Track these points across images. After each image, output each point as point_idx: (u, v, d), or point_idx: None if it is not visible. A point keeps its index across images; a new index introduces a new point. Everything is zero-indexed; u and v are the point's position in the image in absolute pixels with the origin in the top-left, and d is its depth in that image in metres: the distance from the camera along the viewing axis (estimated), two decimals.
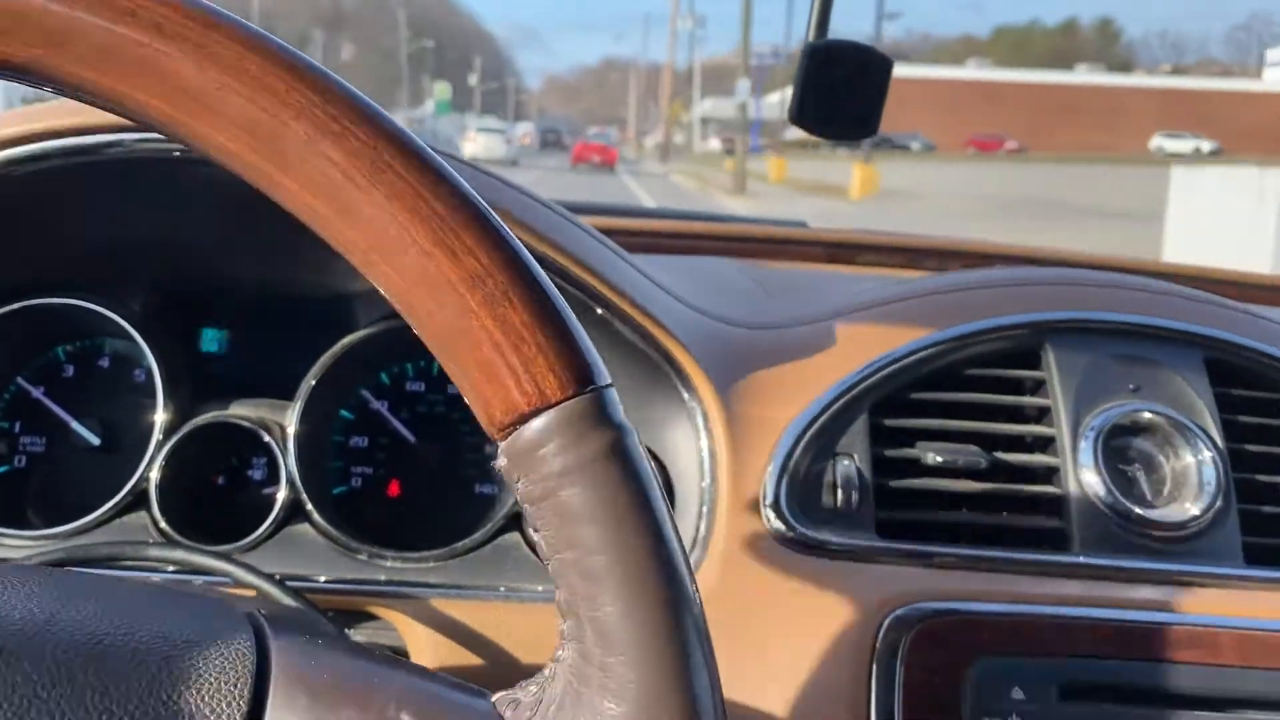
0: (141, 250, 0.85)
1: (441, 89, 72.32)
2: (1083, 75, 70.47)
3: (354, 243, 0.32)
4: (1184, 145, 54.73)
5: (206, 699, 0.32)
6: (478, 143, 37.01)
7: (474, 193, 0.33)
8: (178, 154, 0.72)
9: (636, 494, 0.32)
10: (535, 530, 0.33)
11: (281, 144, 0.31)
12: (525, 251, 0.33)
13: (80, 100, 0.32)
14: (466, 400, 0.33)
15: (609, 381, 0.33)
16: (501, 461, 0.33)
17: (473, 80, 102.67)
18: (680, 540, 0.33)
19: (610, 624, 0.31)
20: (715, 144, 60.64)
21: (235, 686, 0.32)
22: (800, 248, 1.32)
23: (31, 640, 0.33)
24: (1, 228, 0.78)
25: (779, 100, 72.93)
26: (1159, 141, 56.82)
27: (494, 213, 0.33)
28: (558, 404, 0.32)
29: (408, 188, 0.31)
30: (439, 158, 0.33)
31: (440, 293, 0.31)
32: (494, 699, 0.35)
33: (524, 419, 0.32)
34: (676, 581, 0.32)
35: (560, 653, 0.33)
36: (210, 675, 0.32)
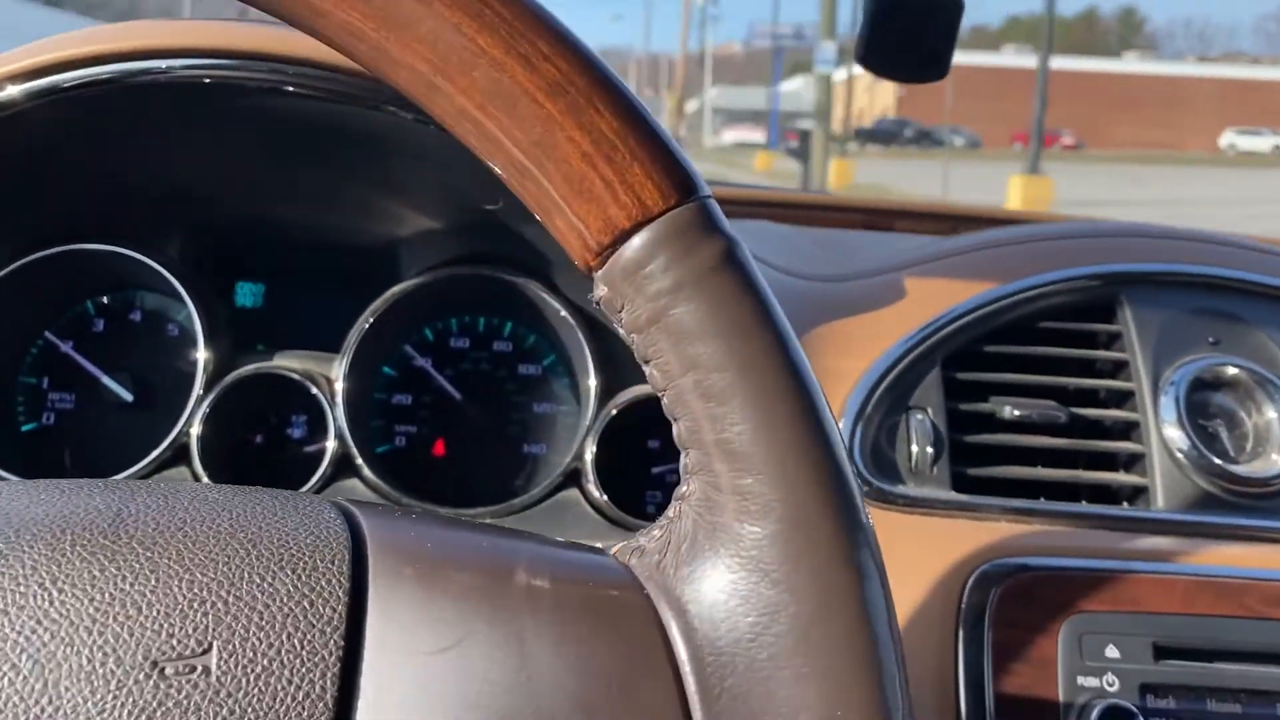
0: (177, 195, 0.81)
1: None
2: (1135, 63, 62.17)
3: (412, 67, 0.29)
4: (1261, 143, 46.62)
5: (304, 577, 0.29)
6: None
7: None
8: (207, 80, 0.67)
9: (757, 305, 0.29)
10: (646, 362, 0.30)
11: None
12: (603, 61, 0.30)
13: None
14: (552, 230, 0.30)
15: (710, 192, 0.30)
16: (600, 291, 0.30)
17: None
18: (804, 354, 0.30)
19: (742, 444, 0.29)
20: (730, 136, 55.86)
21: (333, 564, 0.29)
22: (838, 214, 1.29)
23: (105, 528, 0.30)
24: (27, 169, 0.74)
25: (799, 88, 64.33)
26: (1230, 138, 48.90)
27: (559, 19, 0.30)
28: (661, 215, 0.29)
29: None
30: None
31: (518, 106, 0.28)
32: (614, 550, 0.32)
33: (624, 236, 0.29)
34: (809, 392, 0.29)
35: (684, 488, 0.30)
36: (304, 554, 0.29)
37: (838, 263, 0.89)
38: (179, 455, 0.78)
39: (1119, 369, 0.78)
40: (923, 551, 0.69)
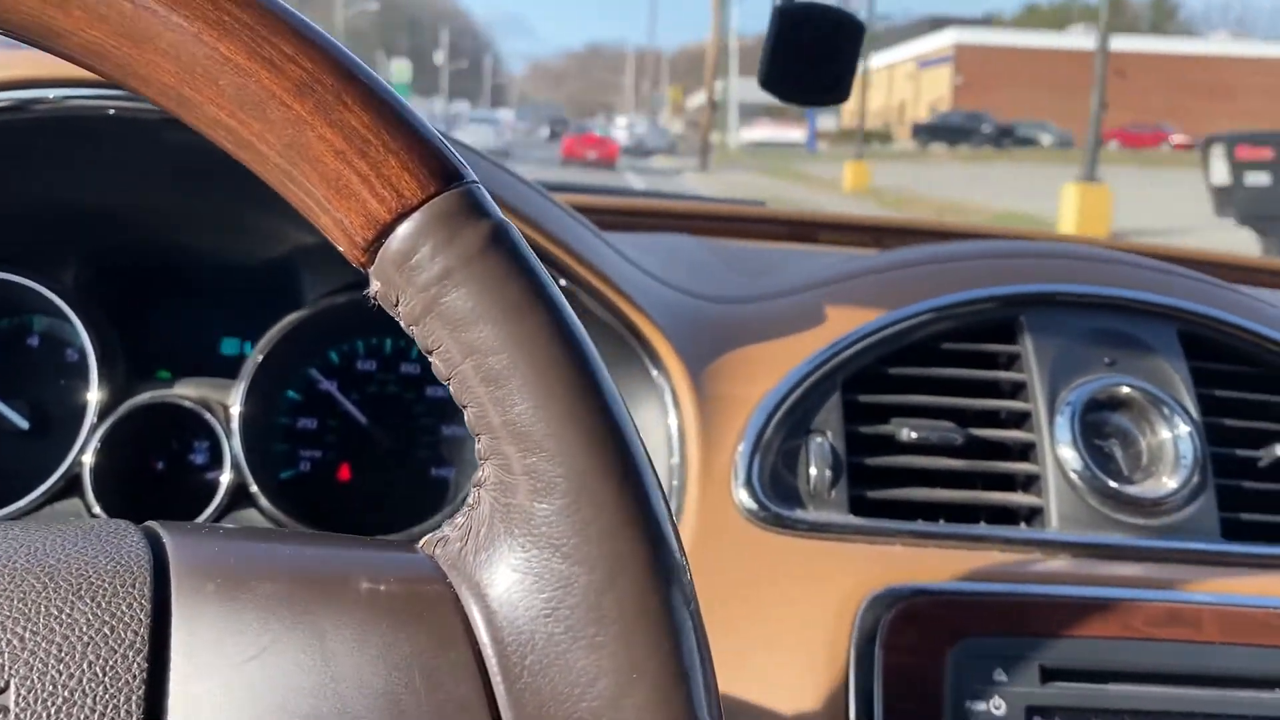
0: (72, 219, 0.80)
1: (400, 68, 62.74)
2: (1223, 44, 52.62)
3: (159, 81, 0.28)
4: None
5: (104, 603, 0.28)
6: (467, 133, 34.20)
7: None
8: (111, 110, 0.66)
9: (528, 283, 0.29)
10: (429, 353, 0.30)
11: None
12: (351, 54, 0.30)
13: None
14: (321, 229, 0.29)
15: (475, 179, 0.30)
16: (375, 286, 0.30)
17: (439, 58, 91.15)
18: (580, 327, 0.30)
19: (525, 423, 0.29)
20: (758, 134, 48.79)
21: (134, 587, 0.29)
22: (763, 226, 1.29)
23: None
24: None
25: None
26: None
27: (307, 19, 0.30)
28: (421, 205, 0.29)
29: (206, 2, 0.28)
30: None
31: (266, 110, 0.28)
32: (420, 543, 0.32)
33: (387, 230, 0.29)
34: (586, 365, 0.30)
35: (480, 474, 0.31)
36: (104, 580, 0.29)
37: (745, 283, 0.90)
38: (71, 486, 0.76)
39: (1018, 390, 0.78)
40: (818, 576, 0.70)
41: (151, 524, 0.33)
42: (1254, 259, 1.35)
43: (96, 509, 0.75)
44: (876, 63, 57.10)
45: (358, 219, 0.29)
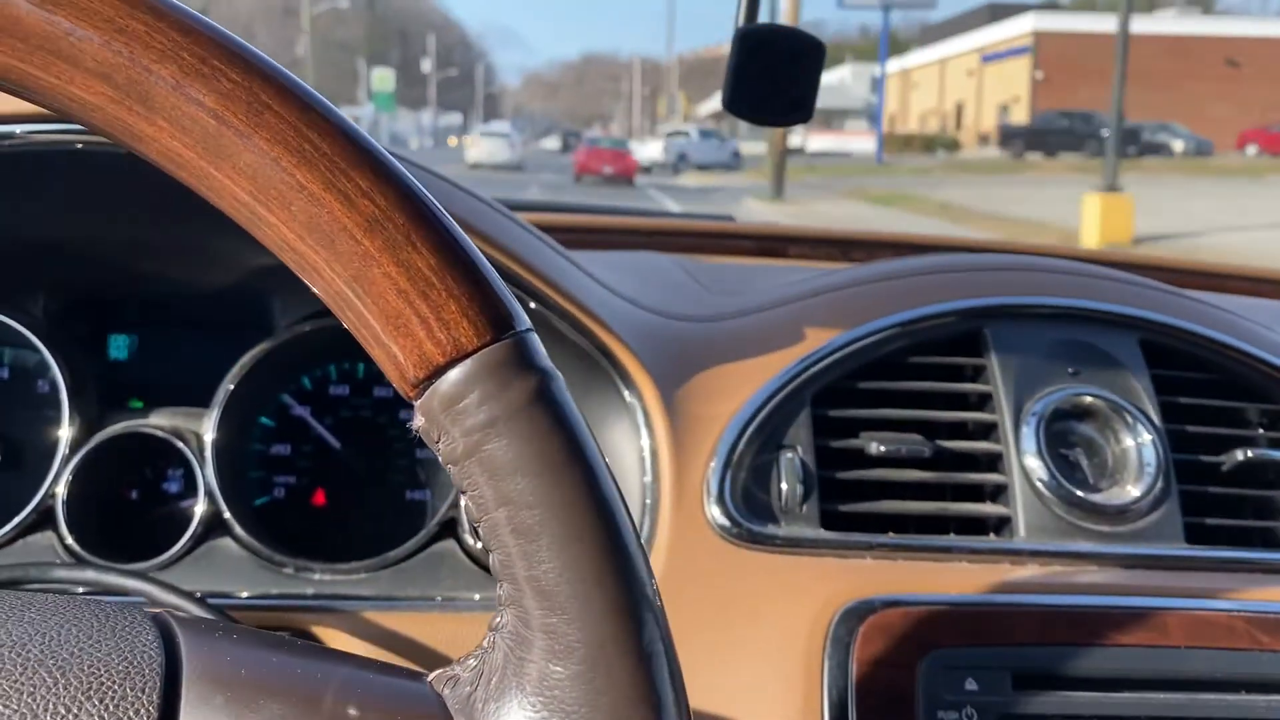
0: (41, 251, 0.80)
1: (381, 77, 57.92)
2: None
3: (235, 195, 0.29)
4: None
5: (112, 707, 0.28)
6: (481, 147, 32.73)
7: (361, 130, 0.30)
8: (79, 145, 0.67)
9: (568, 442, 0.30)
10: (462, 493, 0.30)
11: (145, 91, 0.28)
12: (425, 192, 0.30)
13: None
14: (374, 358, 0.30)
15: (529, 326, 0.31)
16: (419, 421, 0.30)
17: (426, 66, 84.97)
18: (618, 486, 0.31)
19: (549, 582, 0.29)
20: (820, 143, 40.99)
21: (143, 692, 0.29)
22: (731, 241, 1.30)
23: None
24: None
25: (844, 79, 53.65)
26: None
27: (386, 152, 0.31)
28: (475, 352, 0.29)
29: (289, 128, 0.28)
30: (319, 95, 0.30)
31: (336, 241, 0.29)
32: (430, 678, 0.32)
33: (439, 371, 0.29)
34: (617, 532, 0.30)
35: (498, 620, 0.31)
36: (114, 681, 0.29)
37: (715, 301, 0.91)
38: (44, 519, 0.76)
39: (984, 401, 0.80)
40: (791, 590, 0.70)
41: (166, 617, 0.32)
42: (1208, 264, 1.37)
43: (70, 541, 0.75)
44: (919, 59, 51.35)
45: (412, 357, 0.29)
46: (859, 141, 40.52)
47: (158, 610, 0.33)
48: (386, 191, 0.29)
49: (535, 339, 0.31)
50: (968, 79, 45.98)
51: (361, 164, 0.29)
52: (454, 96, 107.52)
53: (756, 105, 0.81)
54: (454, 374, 0.29)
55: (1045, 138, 31.94)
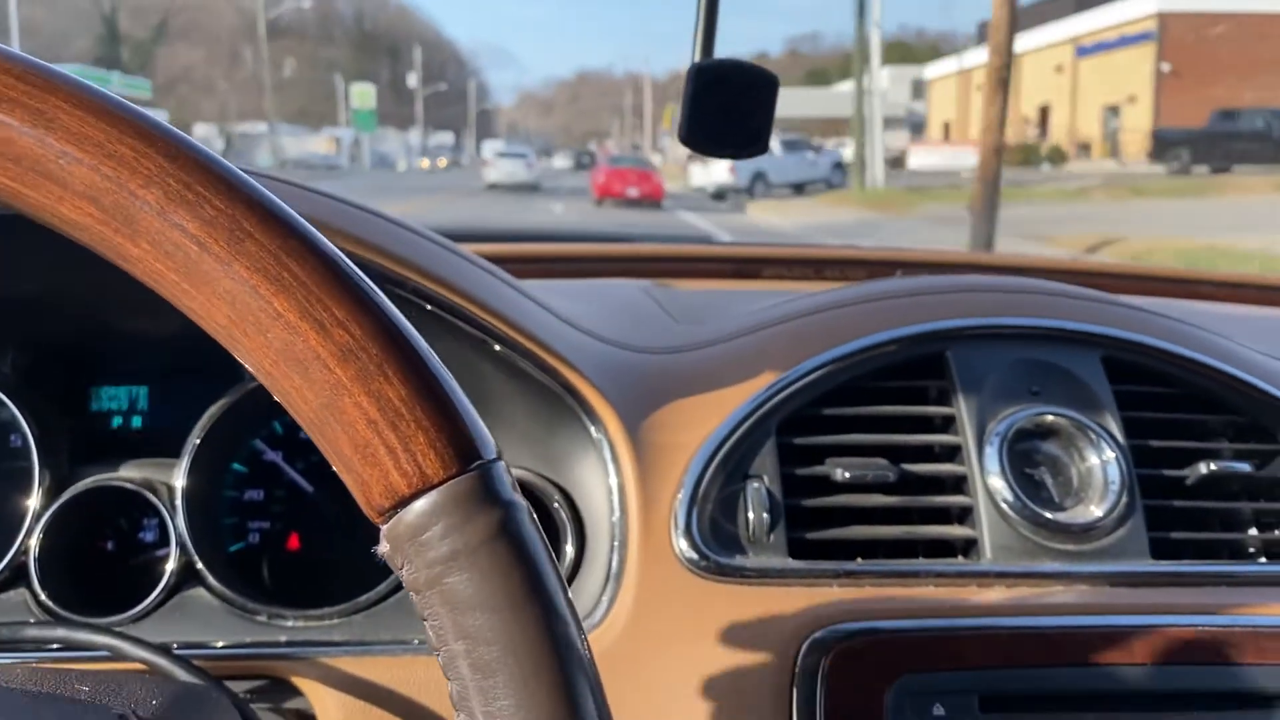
0: (7, 310, 0.80)
1: (361, 93, 53.82)
2: None
3: (214, 318, 0.30)
4: None
5: None
6: (499, 168, 32.16)
7: (343, 258, 0.31)
8: None
9: (528, 578, 0.30)
10: (423, 619, 0.31)
11: (130, 214, 0.29)
12: (401, 319, 0.31)
13: None
14: (342, 478, 0.31)
15: (495, 455, 0.31)
16: (383, 547, 0.31)
17: (412, 81, 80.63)
18: (578, 621, 0.31)
19: (504, 719, 0.29)
20: (926, 159, 32.94)
21: None
22: (705, 264, 1.31)
23: None
24: None
25: (947, 84, 44.50)
26: None
27: (366, 279, 0.31)
28: (440, 484, 0.30)
29: (269, 256, 0.29)
30: (303, 221, 0.31)
31: (309, 369, 0.29)
32: None
33: (404, 502, 0.30)
34: (575, 673, 0.30)
35: None
36: None
37: (682, 331, 0.91)
38: (17, 575, 0.77)
39: (949, 423, 0.80)
40: (760, 621, 0.71)
41: (132, 717, 0.32)
42: (1194, 272, 1.39)
43: (44, 598, 0.75)
44: (979, 58, 36.37)
45: (379, 486, 0.30)
46: (958, 154, 31.10)
47: (123, 712, 0.32)
48: (362, 321, 0.30)
49: (501, 469, 0.31)
50: (1055, 76, 37.34)
51: (339, 293, 0.30)
52: (445, 115, 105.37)
53: (713, 139, 0.82)
54: (419, 505, 0.30)
55: (1221, 144, 23.38)
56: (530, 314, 0.78)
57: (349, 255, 0.73)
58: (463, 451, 0.30)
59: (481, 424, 0.31)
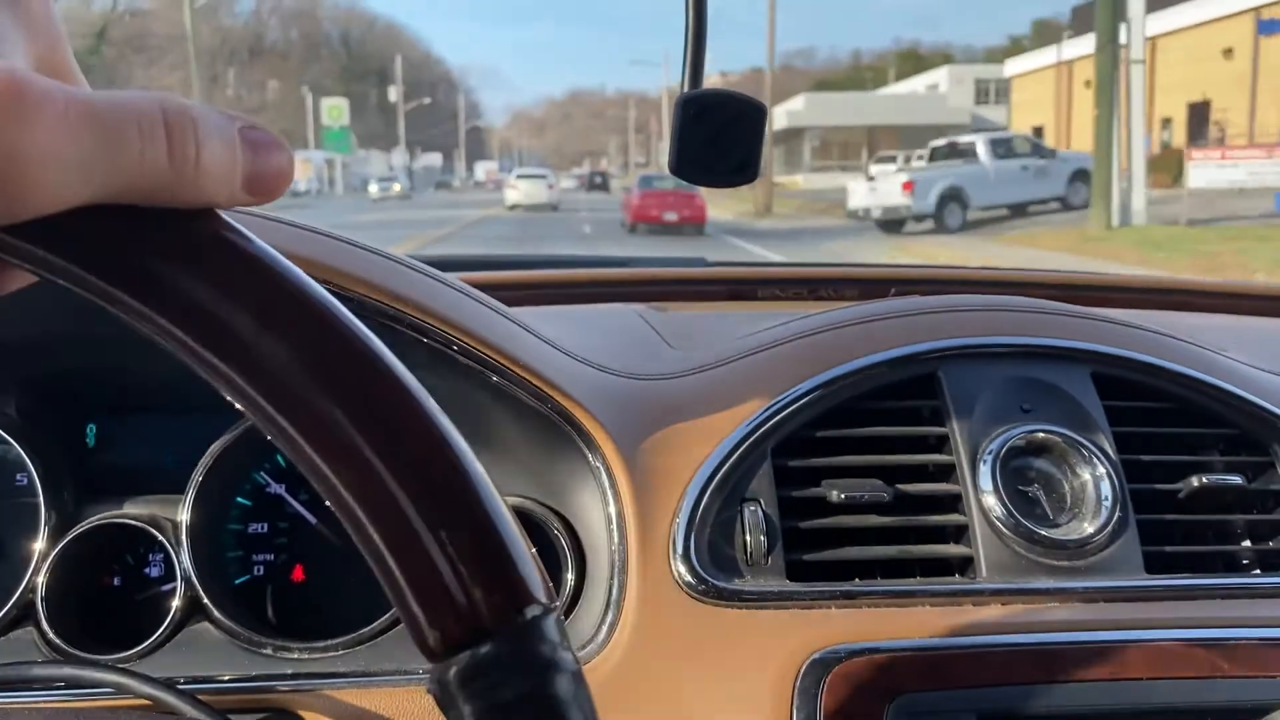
0: (10, 350, 0.82)
1: (332, 109, 49.33)
2: None
3: (289, 438, 0.30)
4: None
5: None
6: (519, 189, 32.43)
7: (424, 394, 0.31)
8: None
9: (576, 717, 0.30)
10: None
11: (223, 326, 0.30)
12: (476, 464, 0.31)
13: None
14: (397, 611, 0.31)
15: (551, 605, 0.32)
16: (433, 687, 0.31)
17: (393, 95, 76.89)
18: None
19: None
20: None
21: None
22: (700, 287, 1.32)
23: None
24: None
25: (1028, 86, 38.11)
26: None
27: (444, 416, 0.31)
28: (495, 633, 0.30)
29: (357, 393, 0.30)
30: (388, 353, 0.31)
31: (379, 505, 0.30)
32: None
33: (459, 648, 0.30)
34: None
35: None
36: None
37: (678, 357, 0.92)
38: (25, 614, 0.78)
39: (942, 443, 0.81)
40: (758, 644, 0.72)
41: None
42: (1186, 281, 1.39)
43: (52, 636, 0.76)
44: (1082, 48, 30.27)
45: (435, 629, 0.30)
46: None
47: None
48: (438, 463, 0.30)
49: (552, 622, 0.31)
50: (1222, 63, 27.97)
51: (419, 431, 0.30)
52: (433, 135, 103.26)
53: (703, 169, 0.84)
54: (470, 654, 0.30)
55: None
56: (525, 344, 0.79)
57: (344, 293, 0.74)
58: (520, 602, 0.30)
59: (538, 572, 0.32)
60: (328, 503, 0.31)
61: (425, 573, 0.30)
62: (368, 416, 0.30)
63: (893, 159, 30.39)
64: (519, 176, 34.20)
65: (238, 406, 0.31)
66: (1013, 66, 43.00)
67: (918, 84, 52.23)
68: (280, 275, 0.31)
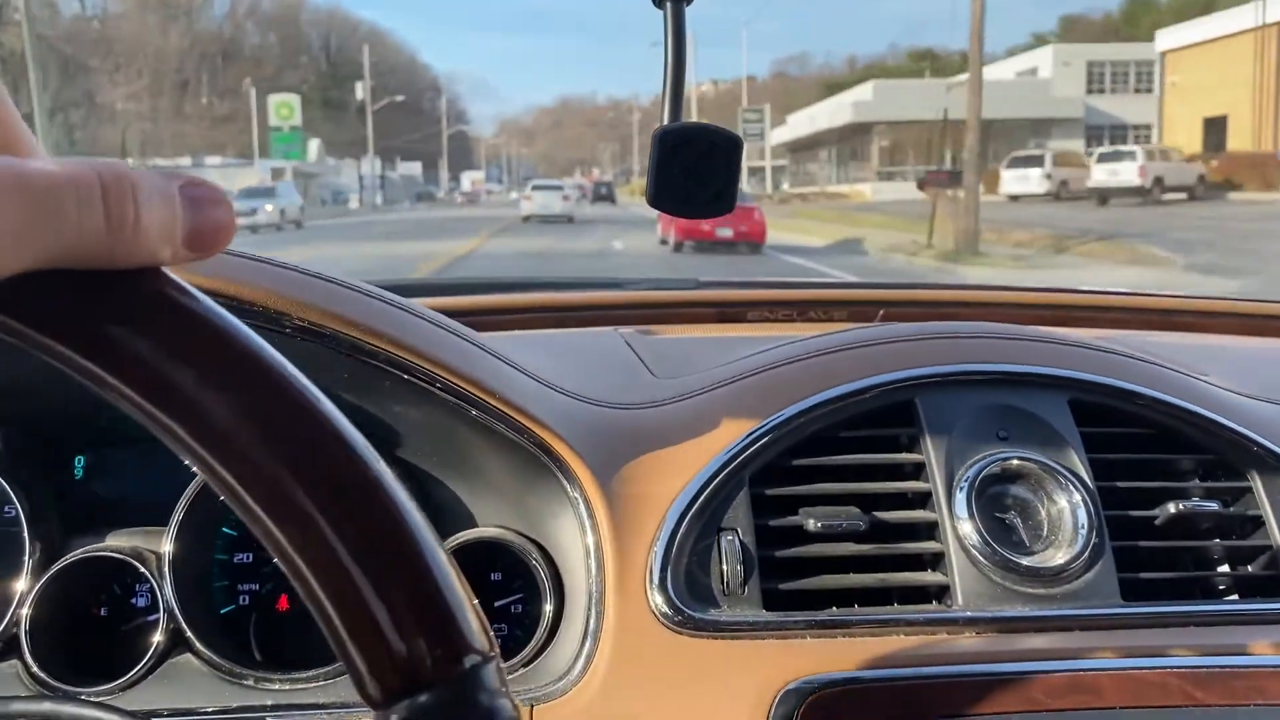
0: None
1: (282, 106, 41.83)
2: None
3: (232, 490, 0.31)
4: None
5: None
6: (535, 200, 31.73)
7: (364, 446, 0.32)
8: None
9: None
10: None
11: (169, 384, 0.31)
12: (416, 517, 0.32)
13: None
14: (339, 658, 0.31)
15: (491, 655, 0.32)
16: None
17: (360, 92, 65.66)
18: None
19: None
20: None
21: None
22: (689, 309, 1.33)
23: None
24: None
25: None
26: None
27: (387, 471, 0.32)
28: (433, 684, 0.31)
29: (303, 449, 0.31)
30: (332, 409, 0.32)
31: (319, 557, 0.30)
32: None
33: (396, 698, 0.31)
34: None
35: None
36: None
37: (656, 385, 0.93)
38: (10, 647, 0.78)
39: (919, 470, 0.82)
40: (733, 674, 0.72)
41: None
42: (1171, 302, 1.40)
43: (35, 669, 0.77)
44: (1240, 21, 26.88)
45: (373, 679, 0.31)
46: None
47: None
48: (377, 516, 0.31)
49: (491, 670, 0.32)
50: None
51: (358, 484, 0.31)
52: (415, 143, 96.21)
53: (681, 200, 0.85)
54: (409, 703, 0.30)
55: None
56: (502, 375, 0.80)
57: (319, 330, 0.74)
58: (457, 653, 0.31)
59: (476, 621, 0.32)
60: (272, 556, 0.31)
61: (364, 625, 0.30)
62: (309, 471, 0.30)
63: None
64: (534, 188, 33.96)
65: (184, 461, 0.31)
66: (1171, 38, 32.26)
67: (1004, 70, 40.46)
68: (221, 331, 0.31)
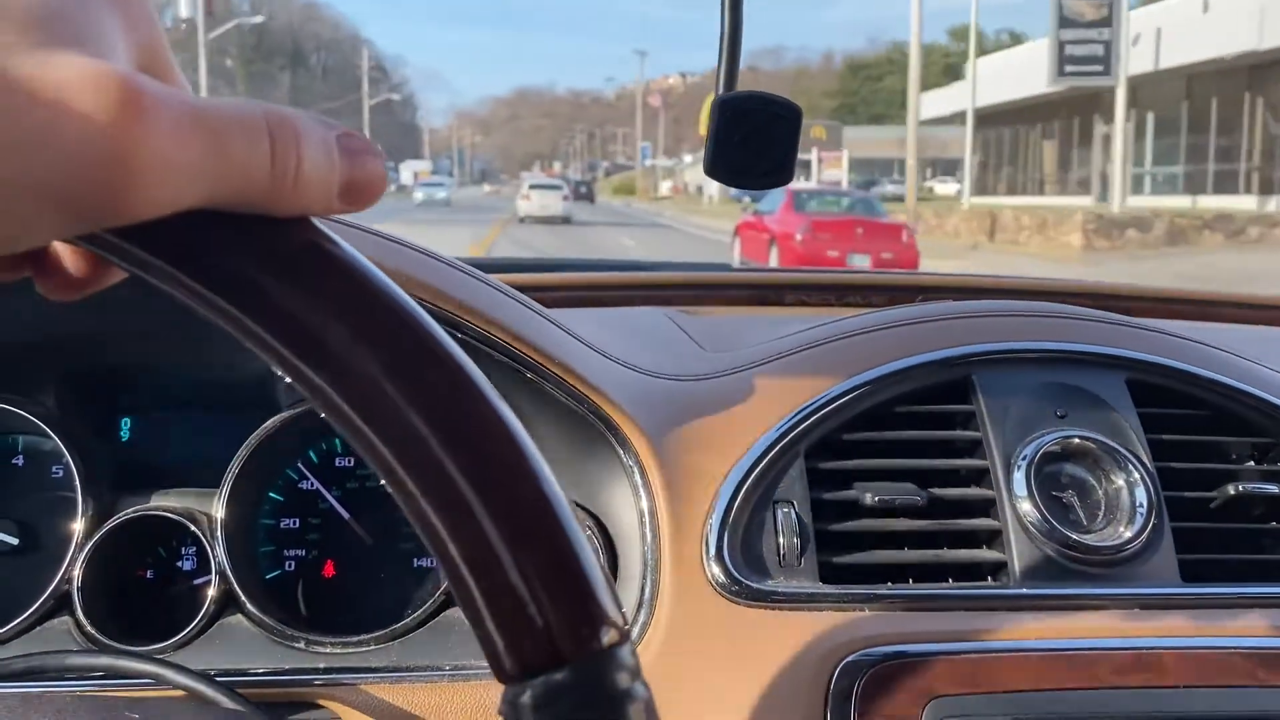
0: (50, 344, 0.82)
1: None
2: None
3: (376, 450, 0.30)
4: None
5: None
6: (532, 200, 31.10)
7: (511, 417, 0.31)
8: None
9: None
10: None
11: (320, 343, 0.30)
12: (559, 495, 0.31)
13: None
14: (474, 632, 0.31)
15: (625, 635, 0.31)
16: (504, 710, 0.31)
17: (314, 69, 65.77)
18: None
19: None
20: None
21: None
22: (727, 291, 1.32)
23: None
24: None
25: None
26: None
27: (529, 438, 0.31)
28: (570, 662, 0.30)
29: (452, 413, 0.30)
30: (481, 376, 0.31)
31: (462, 522, 0.29)
32: None
33: (533, 673, 0.30)
34: None
35: None
36: None
37: (710, 358, 0.92)
38: (61, 604, 0.78)
39: (975, 447, 0.81)
40: (792, 645, 0.72)
41: None
42: (1213, 293, 1.39)
43: (88, 627, 0.77)
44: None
45: (511, 654, 0.30)
46: None
47: None
48: (524, 487, 0.30)
49: (627, 650, 0.31)
50: None
51: (508, 457, 0.30)
52: (337, 115, 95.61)
53: (737, 171, 0.84)
54: (545, 679, 0.30)
55: None
56: (560, 342, 0.79)
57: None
58: (595, 631, 0.30)
59: (613, 599, 0.31)
60: (409, 518, 0.30)
61: (505, 595, 0.30)
62: (456, 435, 0.30)
63: None
64: (532, 187, 33.10)
65: (323, 416, 0.31)
66: None
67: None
68: (375, 287, 0.31)
